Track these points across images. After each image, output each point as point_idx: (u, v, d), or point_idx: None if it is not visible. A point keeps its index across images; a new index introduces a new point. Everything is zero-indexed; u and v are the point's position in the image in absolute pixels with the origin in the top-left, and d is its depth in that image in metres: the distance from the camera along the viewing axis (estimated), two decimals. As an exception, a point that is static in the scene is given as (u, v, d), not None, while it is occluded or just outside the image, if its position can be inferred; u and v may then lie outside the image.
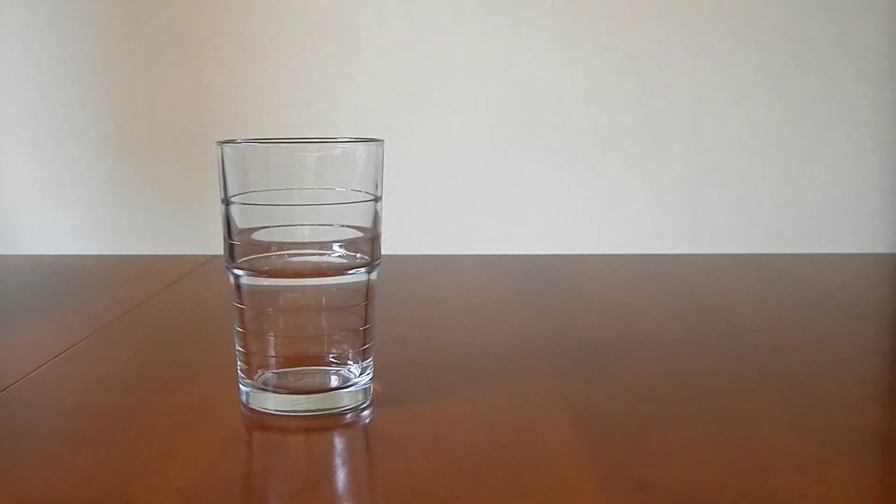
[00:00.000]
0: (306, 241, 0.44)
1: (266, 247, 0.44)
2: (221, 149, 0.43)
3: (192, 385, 0.49)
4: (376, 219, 0.45)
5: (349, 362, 0.45)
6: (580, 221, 0.96)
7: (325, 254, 0.44)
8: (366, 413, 0.44)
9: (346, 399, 0.44)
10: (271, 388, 0.44)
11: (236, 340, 0.45)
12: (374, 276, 0.45)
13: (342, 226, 0.44)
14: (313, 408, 0.43)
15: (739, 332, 0.60)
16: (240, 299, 0.44)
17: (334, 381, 0.45)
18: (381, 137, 0.45)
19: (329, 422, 0.43)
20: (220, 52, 0.95)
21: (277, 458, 0.41)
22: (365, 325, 0.45)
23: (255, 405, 0.44)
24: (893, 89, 0.94)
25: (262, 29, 0.94)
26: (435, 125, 0.95)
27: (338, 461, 0.40)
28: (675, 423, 0.43)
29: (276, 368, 0.45)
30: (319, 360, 0.45)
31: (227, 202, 0.44)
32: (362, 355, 0.45)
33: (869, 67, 0.94)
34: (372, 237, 0.45)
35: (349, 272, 0.44)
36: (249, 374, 0.45)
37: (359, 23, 0.92)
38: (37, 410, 0.45)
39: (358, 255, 0.45)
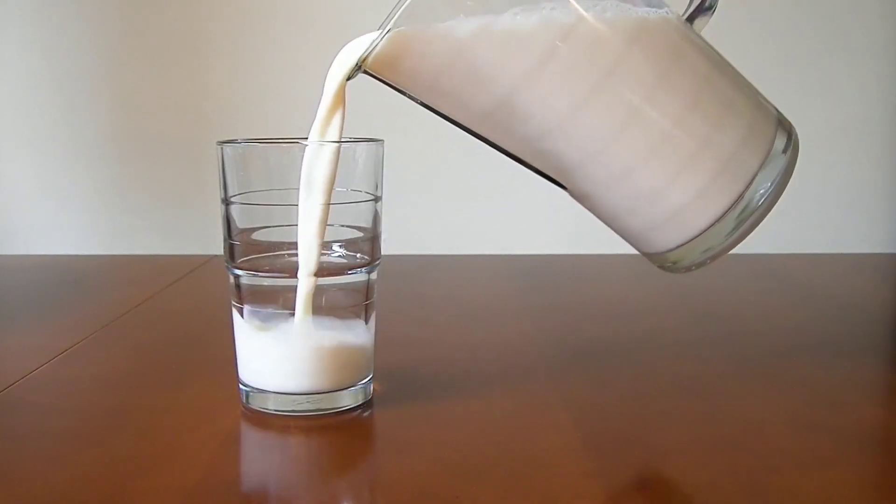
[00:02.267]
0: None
1: (266, 247, 0.44)
2: (221, 149, 0.43)
3: (192, 385, 0.49)
4: (376, 219, 0.45)
5: (349, 362, 0.45)
6: (580, 221, 0.96)
7: (325, 254, 0.43)
8: (366, 413, 0.44)
9: (346, 399, 0.44)
10: (271, 389, 0.44)
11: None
12: (374, 276, 0.45)
13: (342, 226, 0.44)
14: (313, 408, 0.43)
15: (739, 331, 0.60)
16: (240, 299, 0.44)
17: (334, 381, 0.45)
18: (380, 137, 0.45)
19: (329, 422, 0.43)
20: (220, 52, 0.95)
21: (277, 458, 0.41)
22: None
23: (255, 405, 0.44)
24: (893, 89, 0.94)
25: (262, 29, 0.94)
26: (435, 125, 0.95)
27: (338, 461, 0.40)
28: (676, 423, 0.43)
29: (276, 368, 0.45)
30: (319, 360, 0.45)
31: (227, 202, 0.44)
32: (362, 355, 0.45)
33: (868, 66, 0.94)
34: (372, 237, 0.45)
35: (349, 272, 0.44)
36: (249, 374, 0.45)
37: (359, 22, 0.92)
38: (37, 410, 0.45)
39: (358, 255, 0.45)
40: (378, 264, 0.45)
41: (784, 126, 0.42)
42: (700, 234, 0.41)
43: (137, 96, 0.96)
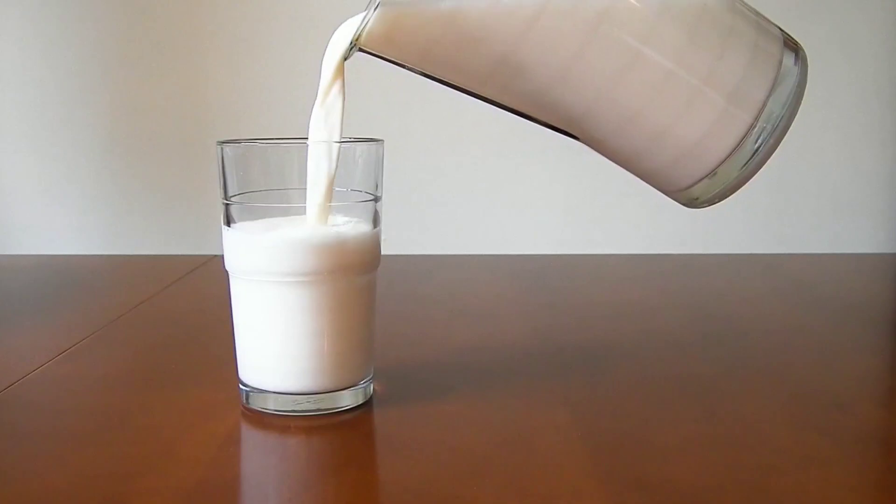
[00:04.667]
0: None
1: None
2: (221, 149, 0.43)
3: (192, 385, 0.49)
4: (376, 219, 0.45)
5: (349, 362, 0.45)
6: (580, 221, 0.96)
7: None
8: (366, 413, 0.44)
9: (346, 399, 0.44)
10: (271, 388, 0.44)
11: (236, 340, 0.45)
12: (374, 276, 0.45)
13: (342, 226, 0.44)
14: (313, 408, 0.43)
15: (739, 331, 0.60)
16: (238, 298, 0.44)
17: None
18: (380, 137, 0.45)
19: (329, 422, 0.43)
20: (220, 52, 0.95)
21: (277, 458, 0.41)
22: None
23: (255, 405, 0.44)
24: (893, 88, 0.94)
25: (263, 29, 0.94)
26: (435, 125, 0.95)
27: (338, 461, 0.40)
28: (675, 423, 0.43)
29: (276, 368, 0.45)
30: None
31: (227, 202, 0.44)
32: (362, 355, 0.45)
33: (869, 66, 0.94)
34: (372, 237, 0.45)
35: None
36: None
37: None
38: (37, 410, 0.45)
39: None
40: (378, 264, 0.45)
41: (790, 45, 0.41)
42: (719, 166, 0.40)
43: (137, 96, 0.96)
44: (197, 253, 0.90)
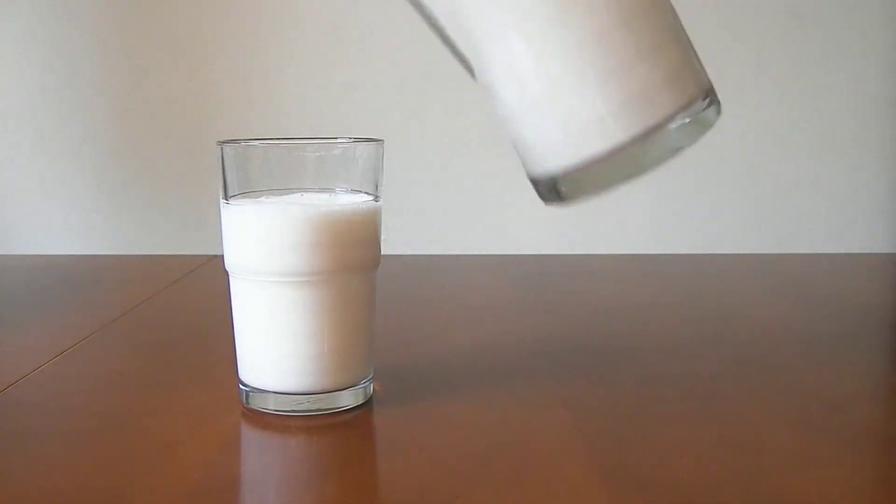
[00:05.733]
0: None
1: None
2: (221, 149, 0.43)
3: (192, 385, 0.49)
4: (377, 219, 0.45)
5: (349, 362, 0.45)
6: (580, 221, 0.96)
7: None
8: (366, 413, 0.44)
9: (346, 399, 0.44)
10: (271, 388, 0.44)
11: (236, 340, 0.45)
12: (374, 276, 0.45)
13: (342, 226, 0.44)
14: (313, 408, 0.43)
15: (739, 331, 0.60)
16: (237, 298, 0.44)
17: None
18: (380, 137, 0.45)
19: (329, 422, 0.43)
20: (220, 52, 0.95)
21: (277, 458, 0.41)
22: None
23: (255, 405, 0.44)
24: (892, 88, 0.94)
25: (263, 29, 0.94)
26: (435, 125, 0.95)
27: (338, 461, 0.40)
28: (675, 423, 0.43)
29: (276, 368, 0.45)
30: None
31: (227, 202, 0.44)
32: (362, 355, 0.45)
33: (869, 67, 0.94)
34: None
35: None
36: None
37: (359, 22, 0.92)
38: (37, 410, 0.45)
39: (358, 255, 0.45)
40: (378, 264, 0.45)
41: (713, 96, 0.39)
42: (592, 162, 0.38)
43: (137, 97, 0.96)
44: (197, 253, 0.89)
